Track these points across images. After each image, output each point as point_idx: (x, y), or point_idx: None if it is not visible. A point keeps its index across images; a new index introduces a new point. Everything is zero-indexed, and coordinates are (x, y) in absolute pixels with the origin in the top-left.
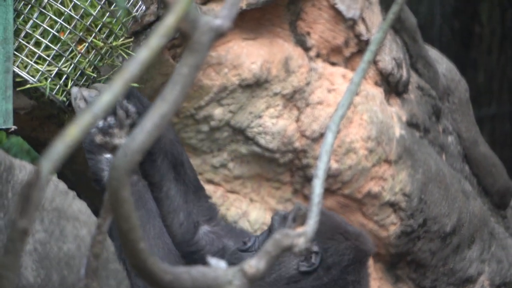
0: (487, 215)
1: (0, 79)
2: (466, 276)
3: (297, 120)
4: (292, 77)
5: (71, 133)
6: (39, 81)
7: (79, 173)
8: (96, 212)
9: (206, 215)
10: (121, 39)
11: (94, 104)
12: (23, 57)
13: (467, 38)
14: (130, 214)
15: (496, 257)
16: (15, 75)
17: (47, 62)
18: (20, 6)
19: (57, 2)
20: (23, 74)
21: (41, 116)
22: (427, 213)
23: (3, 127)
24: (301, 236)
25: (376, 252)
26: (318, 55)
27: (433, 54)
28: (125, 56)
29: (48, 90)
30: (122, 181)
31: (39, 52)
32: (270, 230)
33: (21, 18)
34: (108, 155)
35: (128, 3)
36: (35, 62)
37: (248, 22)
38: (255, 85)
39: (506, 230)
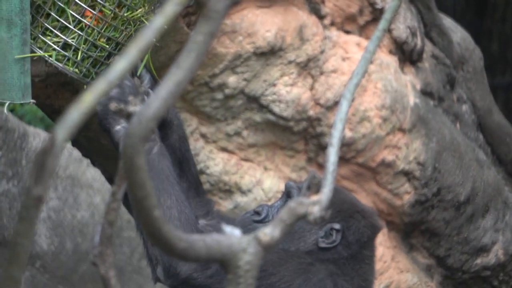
0: (501, 184)
1: (18, 53)
2: (480, 245)
3: (311, 88)
4: (307, 45)
5: (86, 100)
6: (46, 52)
7: (93, 140)
8: (110, 180)
9: (203, 210)
10: (140, 10)
11: (109, 72)
12: (31, 29)
13: (482, 7)
14: (144, 181)
15: (510, 226)
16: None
17: (54, 34)
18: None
19: None
20: (32, 47)
21: (55, 83)
22: (441, 182)
23: (22, 101)
24: (316, 204)
25: (390, 221)
26: (332, 23)
27: (448, 22)
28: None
29: (53, 58)
30: (137, 148)
31: (46, 25)
32: (287, 200)
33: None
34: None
35: None
36: (42, 34)
37: None
38: (270, 53)
39: None
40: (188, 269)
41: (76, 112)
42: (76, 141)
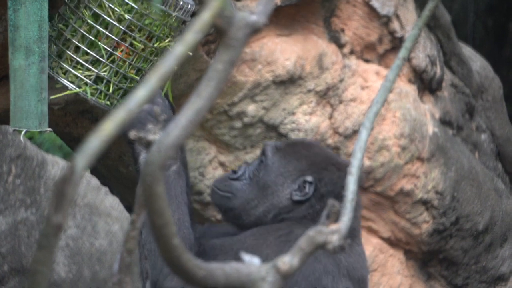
0: None
1: (36, 81)
2: (498, 274)
3: (330, 117)
4: (326, 73)
5: (106, 128)
6: (78, 86)
7: (111, 168)
8: (128, 208)
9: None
10: (167, 40)
11: (129, 100)
12: (62, 63)
13: (501, 36)
14: (164, 209)
15: None
16: (55, 81)
17: (85, 67)
18: (66, 13)
19: (94, 5)
20: (63, 80)
21: (74, 111)
22: (460, 211)
23: (39, 129)
24: (335, 233)
25: (408, 250)
26: (352, 52)
27: (467, 51)
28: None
29: (89, 95)
30: (156, 176)
31: (77, 59)
32: (262, 160)
33: (68, 27)
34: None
35: (165, 4)
36: (73, 68)
37: (283, 19)
38: (289, 82)
39: None
40: (174, 285)
41: (96, 140)
42: (95, 169)
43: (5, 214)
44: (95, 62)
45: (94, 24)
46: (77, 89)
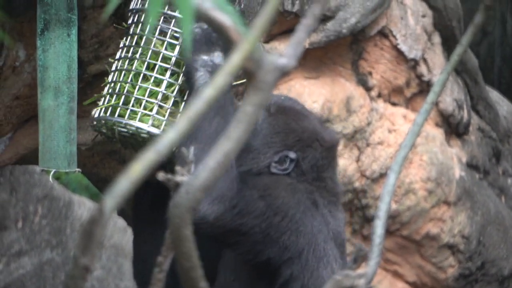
0: None
1: (65, 121)
2: None
3: (358, 160)
4: (353, 116)
5: (135, 170)
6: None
7: None
8: None
9: None
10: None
11: (158, 142)
12: (165, 118)
13: None
14: (191, 252)
15: None
16: (140, 130)
17: (168, 110)
18: (142, 67)
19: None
20: (151, 129)
21: (102, 152)
22: (486, 255)
23: (68, 170)
24: (362, 277)
25: None
26: (379, 95)
27: (494, 95)
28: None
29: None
30: (184, 219)
31: (167, 107)
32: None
33: (140, 78)
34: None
35: None
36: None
37: (311, 61)
38: None
39: None
40: (220, 208)
41: (125, 182)
42: (121, 210)
43: (30, 254)
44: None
45: (166, 66)
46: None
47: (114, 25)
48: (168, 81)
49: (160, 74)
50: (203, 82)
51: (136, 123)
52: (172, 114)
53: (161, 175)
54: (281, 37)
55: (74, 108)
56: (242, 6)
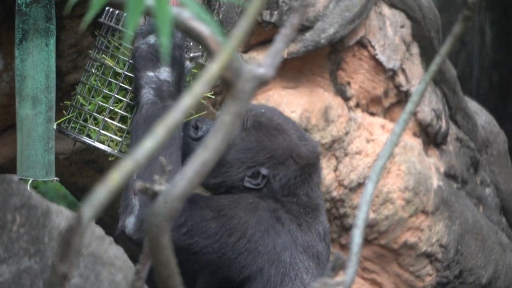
0: None
1: (43, 131)
2: None
3: (336, 169)
4: (331, 126)
5: (113, 179)
6: (120, 150)
7: (116, 218)
8: (132, 258)
9: None
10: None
11: (136, 151)
12: (112, 135)
13: (506, 91)
14: (169, 260)
15: None
16: (108, 154)
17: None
18: (96, 81)
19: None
20: (116, 152)
21: (80, 161)
22: (463, 264)
23: (46, 179)
24: (340, 285)
25: None
26: (357, 105)
27: (473, 106)
28: (203, 101)
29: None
30: (162, 227)
31: (127, 128)
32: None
33: (101, 95)
34: (151, 73)
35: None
36: (125, 138)
37: (289, 71)
38: None
39: None
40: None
41: (103, 191)
42: (99, 218)
43: (8, 262)
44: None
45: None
46: (114, 152)
47: (92, 34)
48: (116, 97)
49: (111, 90)
50: (147, 99)
51: (83, 138)
52: (121, 130)
53: (138, 184)
54: (259, 47)
55: (52, 117)
56: (220, 16)
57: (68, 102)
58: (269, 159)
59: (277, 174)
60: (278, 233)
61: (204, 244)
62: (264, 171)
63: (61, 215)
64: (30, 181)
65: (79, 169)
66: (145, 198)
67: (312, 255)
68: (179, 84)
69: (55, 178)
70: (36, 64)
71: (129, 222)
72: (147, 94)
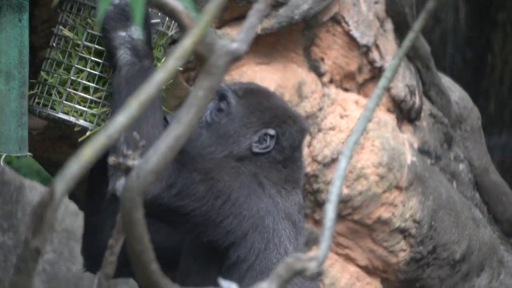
0: (497, 243)
1: (16, 106)
2: None
3: (309, 145)
4: (305, 102)
5: (86, 154)
6: (98, 124)
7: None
8: None
9: None
10: (162, 60)
11: (109, 126)
12: (75, 105)
13: (479, 67)
14: (142, 235)
15: (505, 285)
16: (73, 124)
17: (101, 104)
18: (57, 54)
19: (93, 43)
20: (81, 122)
21: (53, 136)
22: (437, 240)
23: (19, 154)
24: (313, 260)
25: (385, 278)
26: (331, 81)
27: (446, 82)
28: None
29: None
30: (135, 202)
31: (90, 97)
32: (222, 106)
33: (62, 67)
34: (123, 33)
35: (162, 25)
36: (89, 107)
37: (262, 47)
38: None
39: None
40: (156, 188)
41: (76, 166)
42: (73, 194)
43: None
44: (107, 98)
45: (99, 60)
46: (99, 127)
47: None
48: (77, 68)
49: (72, 61)
50: (125, 61)
51: (48, 110)
52: (84, 100)
53: (111, 159)
54: (233, 23)
55: (25, 92)
56: None
57: (34, 81)
58: (274, 118)
59: (284, 133)
60: (260, 197)
61: (193, 207)
62: (271, 131)
63: (35, 191)
64: (3, 157)
65: (53, 145)
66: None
67: (292, 223)
68: (150, 43)
69: (29, 154)
70: (9, 39)
71: (120, 186)
72: (124, 55)
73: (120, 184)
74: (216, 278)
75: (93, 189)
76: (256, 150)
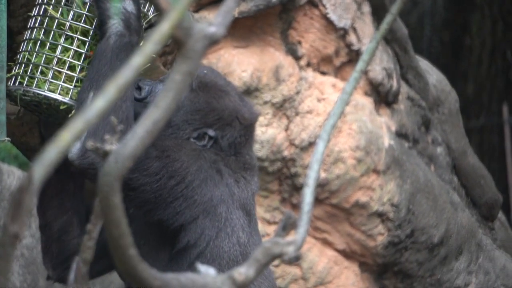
0: (475, 226)
1: None
2: (453, 287)
3: (287, 128)
4: (282, 85)
5: (63, 139)
6: (71, 98)
7: None
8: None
9: None
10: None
11: (87, 111)
12: (61, 83)
13: (457, 50)
14: (120, 220)
15: (483, 269)
16: (60, 102)
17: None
18: (41, 34)
19: (79, 22)
20: (67, 100)
21: (31, 121)
22: (415, 223)
23: None
24: (291, 244)
25: (363, 262)
26: (308, 64)
27: (424, 64)
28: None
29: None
30: (113, 187)
31: (76, 75)
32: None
33: (47, 46)
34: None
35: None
36: (74, 86)
37: (240, 30)
38: (245, 93)
39: (493, 241)
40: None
41: (53, 150)
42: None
43: None
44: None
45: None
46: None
47: None
48: (63, 46)
49: (56, 41)
50: (116, 30)
51: (33, 89)
52: (70, 78)
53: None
54: (210, 6)
55: (3, 77)
56: None
57: (11, 64)
58: (218, 120)
59: (225, 135)
60: (217, 184)
61: (144, 182)
62: (211, 132)
63: (12, 176)
64: None
65: (31, 129)
66: (94, 126)
67: (246, 213)
68: (140, 20)
69: (7, 138)
70: None
71: (74, 147)
72: (116, 25)
73: (75, 147)
74: (166, 261)
75: (52, 192)
76: (193, 146)
